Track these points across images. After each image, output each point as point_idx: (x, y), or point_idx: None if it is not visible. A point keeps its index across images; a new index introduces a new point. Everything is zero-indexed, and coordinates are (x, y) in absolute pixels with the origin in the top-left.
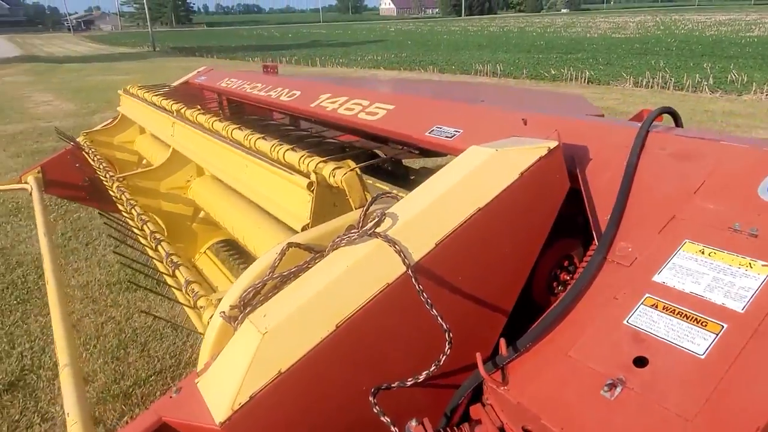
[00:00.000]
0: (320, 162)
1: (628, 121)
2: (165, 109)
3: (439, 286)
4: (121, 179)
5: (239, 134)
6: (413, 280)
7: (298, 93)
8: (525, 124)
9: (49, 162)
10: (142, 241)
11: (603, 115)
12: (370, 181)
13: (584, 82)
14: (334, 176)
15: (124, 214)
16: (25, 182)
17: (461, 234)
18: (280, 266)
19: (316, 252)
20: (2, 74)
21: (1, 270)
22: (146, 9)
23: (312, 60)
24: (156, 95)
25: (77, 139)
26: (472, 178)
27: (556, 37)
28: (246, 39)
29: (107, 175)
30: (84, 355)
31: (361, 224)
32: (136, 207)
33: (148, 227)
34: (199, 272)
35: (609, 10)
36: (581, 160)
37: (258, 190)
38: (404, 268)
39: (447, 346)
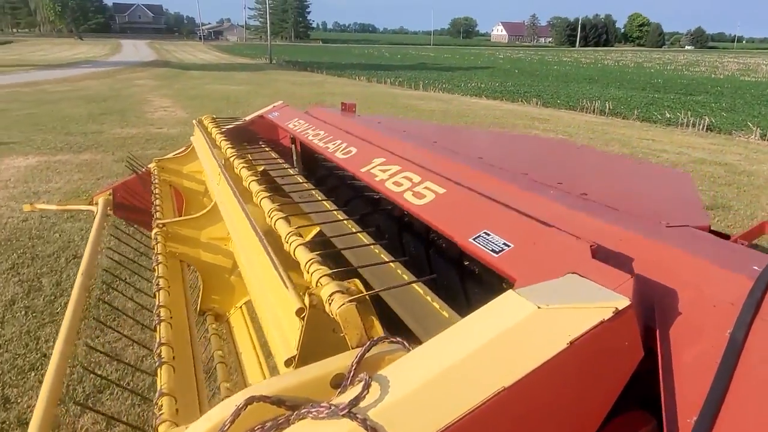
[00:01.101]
0: (324, 276)
1: (747, 247)
2: (220, 151)
3: None
4: (161, 225)
5: (266, 205)
6: None
7: (354, 151)
8: (593, 255)
9: (120, 185)
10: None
11: (710, 228)
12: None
13: (702, 128)
14: (330, 303)
15: (154, 267)
16: (96, 203)
17: (475, 422)
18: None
19: (288, 408)
20: (136, 77)
21: None
22: (268, 23)
23: (416, 83)
24: (220, 133)
25: (150, 165)
26: (501, 344)
27: (676, 76)
28: (357, 57)
29: (154, 215)
30: None
31: (348, 380)
32: (161, 264)
33: (160, 295)
34: (230, 329)
35: (740, 49)
36: (663, 314)
37: (258, 287)
38: None
39: None
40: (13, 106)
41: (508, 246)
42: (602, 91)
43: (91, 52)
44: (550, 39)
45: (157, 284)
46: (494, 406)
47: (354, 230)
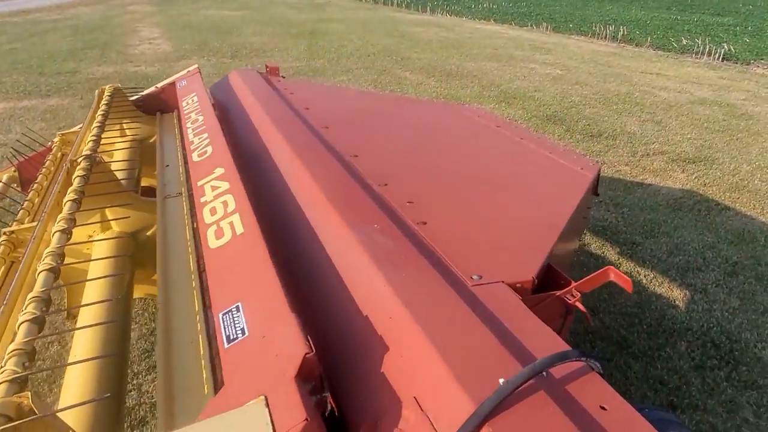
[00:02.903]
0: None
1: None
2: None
3: None
4: (7, 233)
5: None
6: None
7: (208, 152)
8: (298, 372)
9: (25, 161)
10: None
11: (540, 270)
12: None
13: (718, 58)
14: None
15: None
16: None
17: None
18: None
19: None
20: (130, 2)
21: None
22: None
23: (423, 5)
24: (105, 105)
25: (54, 140)
26: None
27: None
28: None
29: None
30: None
31: None
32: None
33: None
34: None
35: None
36: None
37: None
38: None
39: None
40: None
41: (244, 334)
42: (622, 11)
43: None
44: None
45: None
46: None
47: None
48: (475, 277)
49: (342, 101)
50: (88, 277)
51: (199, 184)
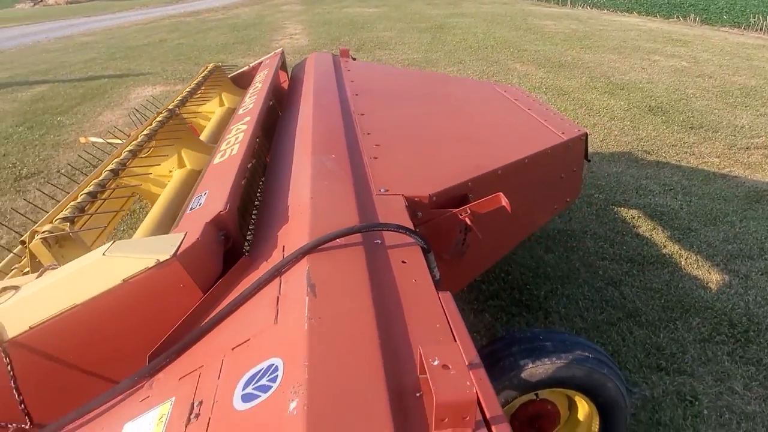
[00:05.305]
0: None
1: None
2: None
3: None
4: None
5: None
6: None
7: (250, 107)
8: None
9: None
10: None
11: (429, 198)
12: None
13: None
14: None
15: None
16: None
17: (65, 321)
18: None
19: None
20: (284, 2)
21: None
22: None
23: None
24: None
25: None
26: (78, 276)
27: None
28: None
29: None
30: None
31: None
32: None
33: None
34: None
35: None
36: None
37: None
38: None
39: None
40: (171, 36)
41: (200, 204)
42: None
43: None
44: None
45: None
46: (74, 314)
47: None
48: (382, 189)
49: (387, 78)
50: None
51: (231, 127)
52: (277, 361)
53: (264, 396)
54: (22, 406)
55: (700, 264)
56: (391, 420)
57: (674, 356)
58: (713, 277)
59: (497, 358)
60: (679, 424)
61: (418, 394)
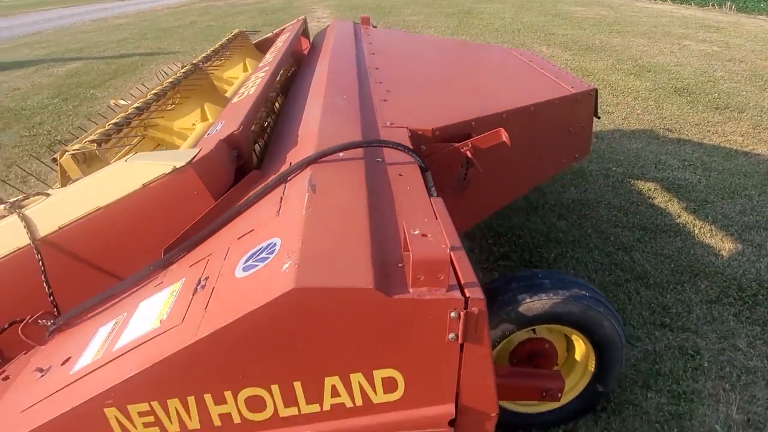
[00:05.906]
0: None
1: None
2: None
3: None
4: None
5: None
6: (34, 249)
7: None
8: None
9: None
10: None
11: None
12: None
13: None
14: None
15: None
16: None
17: (92, 222)
18: None
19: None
20: None
21: None
22: None
23: None
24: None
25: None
26: (104, 181)
27: None
28: None
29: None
30: None
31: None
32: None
33: None
34: None
35: None
36: None
37: None
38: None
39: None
40: (202, 19)
41: (216, 130)
42: None
43: None
44: None
45: None
46: (99, 216)
47: None
48: (388, 122)
49: (405, 40)
50: None
51: (251, 76)
52: (276, 240)
53: (262, 264)
54: (51, 298)
55: (713, 233)
56: (372, 274)
57: (679, 315)
58: (726, 246)
59: (497, 293)
60: (678, 375)
61: (400, 265)
